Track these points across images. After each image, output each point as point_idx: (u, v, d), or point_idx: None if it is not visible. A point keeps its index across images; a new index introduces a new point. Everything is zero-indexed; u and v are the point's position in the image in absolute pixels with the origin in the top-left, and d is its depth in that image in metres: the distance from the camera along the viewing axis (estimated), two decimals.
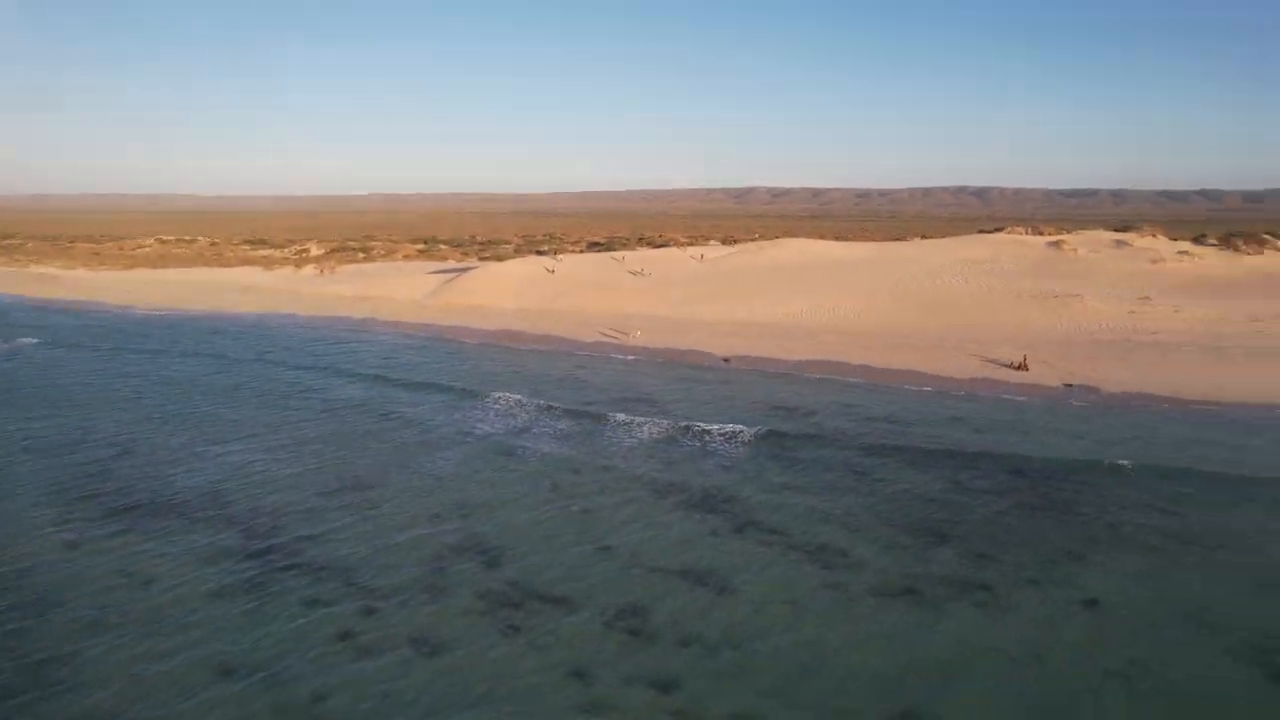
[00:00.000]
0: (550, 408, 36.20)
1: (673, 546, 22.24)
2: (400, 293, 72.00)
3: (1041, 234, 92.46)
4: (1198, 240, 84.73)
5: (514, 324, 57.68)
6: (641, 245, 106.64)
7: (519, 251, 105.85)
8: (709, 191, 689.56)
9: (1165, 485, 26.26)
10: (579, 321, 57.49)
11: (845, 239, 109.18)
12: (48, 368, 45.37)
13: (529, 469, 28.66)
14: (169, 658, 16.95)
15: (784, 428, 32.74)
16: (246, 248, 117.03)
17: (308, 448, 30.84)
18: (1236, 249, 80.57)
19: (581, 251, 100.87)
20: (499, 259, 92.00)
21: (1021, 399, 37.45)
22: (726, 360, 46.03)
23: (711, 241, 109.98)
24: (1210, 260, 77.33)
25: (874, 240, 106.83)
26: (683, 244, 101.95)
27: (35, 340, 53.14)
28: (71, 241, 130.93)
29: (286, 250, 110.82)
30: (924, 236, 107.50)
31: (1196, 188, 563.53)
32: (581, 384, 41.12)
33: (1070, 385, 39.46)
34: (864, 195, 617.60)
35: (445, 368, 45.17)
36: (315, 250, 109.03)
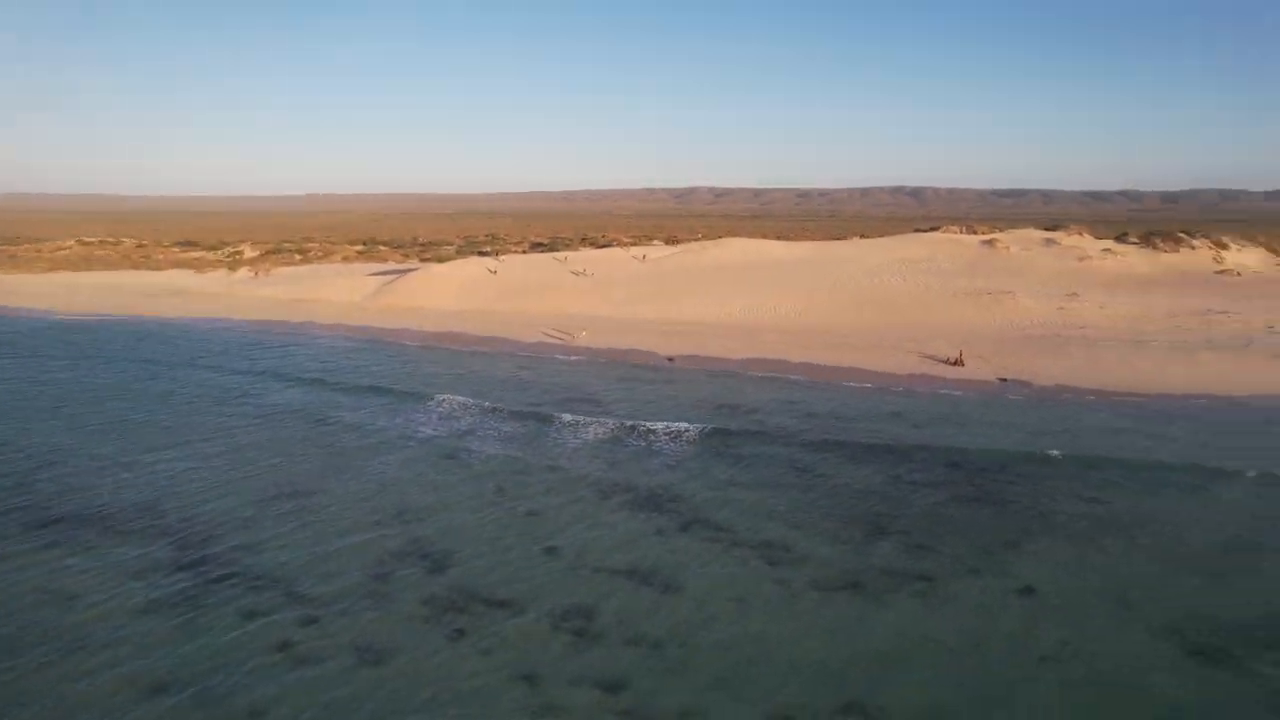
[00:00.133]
0: (494, 409, 35.86)
1: (619, 546, 22.22)
2: (339, 295, 70.51)
3: (976, 233, 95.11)
4: (1120, 239, 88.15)
5: (456, 325, 56.99)
6: (584, 245, 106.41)
7: (461, 252, 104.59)
8: (652, 191, 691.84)
9: (1092, 474, 27.25)
10: (522, 322, 57.10)
11: (786, 239, 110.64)
12: None
13: (473, 471, 28.34)
14: (94, 676, 16.28)
15: (728, 425, 33.01)
16: (176, 249, 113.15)
17: (244, 455, 29.96)
18: (1155, 247, 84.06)
19: (524, 252, 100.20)
20: (440, 260, 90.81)
21: (958, 393, 38.43)
22: (671, 360, 46.22)
23: (655, 241, 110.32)
24: (1132, 258, 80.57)
25: (814, 240, 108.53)
26: (626, 244, 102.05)
27: None
28: None
29: (219, 252, 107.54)
30: (863, 236, 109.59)
31: (1119, 188, 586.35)
32: (526, 385, 40.83)
33: (1004, 379, 40.65)
34: (804, 195, 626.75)
35: (386, 370, 44.39)
36: (249, 252, 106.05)
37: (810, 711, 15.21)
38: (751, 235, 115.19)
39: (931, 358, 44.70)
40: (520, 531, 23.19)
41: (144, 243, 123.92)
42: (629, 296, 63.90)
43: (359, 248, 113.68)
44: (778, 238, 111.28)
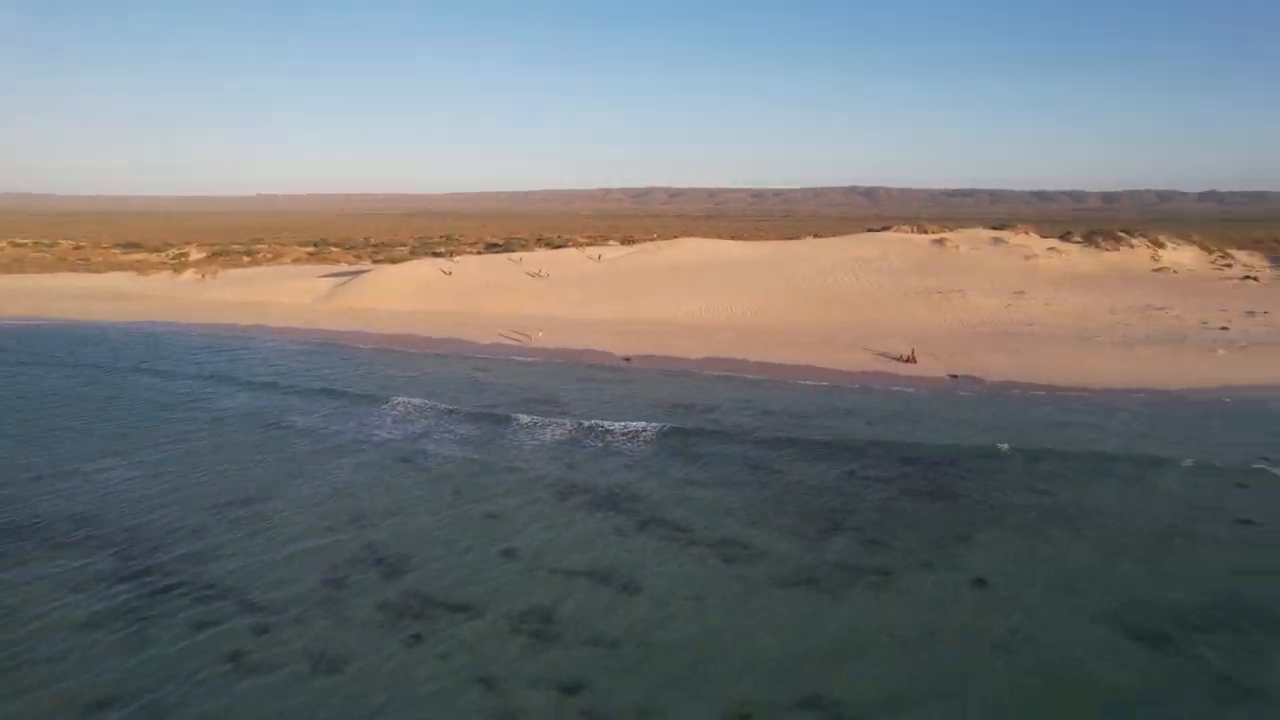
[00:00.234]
0: (450, 411, 35.51)
1: (577, 546, 22.18)
2: (290, 297, 69.19)
3: (926, 232, 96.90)
4: (1064, 238, 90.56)
5: (411, 327, 56.30)
6: (540, 246, 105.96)
7: (414, 253, 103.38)
8: (608, 192, 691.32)
9: (1039, 466, 27.96)
10: (478, 324, 56.64)
11: (741, 238, 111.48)
12: None
13: (430, 474, 28.03)
14: (32, 693, 15.72)
15: (685, 425, 33.15)
16: (117, 251, 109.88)
17: (191, 461, 29.21)
18: (1098, 246, 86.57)
19: (479, 253, 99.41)
20: (394, 261, 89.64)
21: (910, 390, 39.11)
22: (627, 360, 46.25)
23: (610, 241, 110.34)
24: (1075, 257, 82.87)
25: (769, 239, 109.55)
26: (582, 244, 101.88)
27: None
28: None
29: (163, 254, 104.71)
30: (817, 235, 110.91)
31: (1063, 189, 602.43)
32: (482, 386, 40.51)
33: (955, 376, 41.49)
34: (759, 195, 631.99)
35: (340, 373, 43.67)
36: (195, 254, 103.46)
37: (768, 706, 15.35)
38: (707, 235, 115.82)
39: (884, 355, 45.42)
40: (477, 534, 23.00)
41: (81, 244, 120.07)
42: (585, 297, 63.79)
43: (310, 249, 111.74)
44: (733, 237, 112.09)
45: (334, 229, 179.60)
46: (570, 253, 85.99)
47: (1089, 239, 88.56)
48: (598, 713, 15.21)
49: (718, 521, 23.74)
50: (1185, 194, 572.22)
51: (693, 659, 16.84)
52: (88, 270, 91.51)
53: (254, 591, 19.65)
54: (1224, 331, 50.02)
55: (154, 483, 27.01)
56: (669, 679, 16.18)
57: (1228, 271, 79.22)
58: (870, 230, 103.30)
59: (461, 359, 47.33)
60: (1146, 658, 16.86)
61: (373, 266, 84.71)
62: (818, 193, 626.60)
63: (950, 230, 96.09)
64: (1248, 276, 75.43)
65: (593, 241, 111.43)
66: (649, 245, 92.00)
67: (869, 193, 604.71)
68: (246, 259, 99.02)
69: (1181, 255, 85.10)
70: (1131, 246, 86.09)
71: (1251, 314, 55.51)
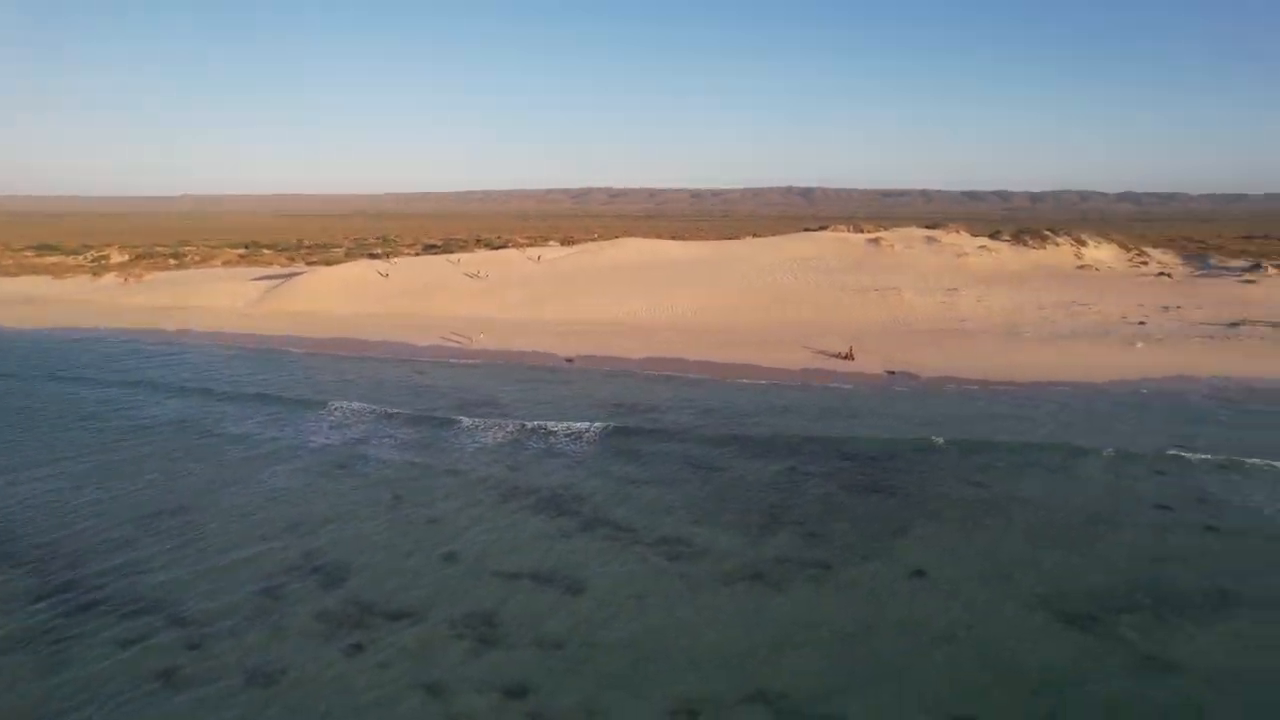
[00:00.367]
0: (391, 415, 34.87)
1: (520, 548, 22.00)
2: (220, 301, 67.07)
3: (862, 232, 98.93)
4: (994, 236, 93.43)
5: (348, 330, 55.10)
6: (479, 247, 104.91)
7: (350, 255, 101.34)
8: (548, 192, 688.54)
9: (972, 458, 28.78)
10: (417, 326, 55.75)
11: (681, 238, 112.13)
12: None
13: (369, 479, 27.48)
14: None
15: (627, 424, 33.18)
16: (29, 254, 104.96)
17: (116, 472, 28.07)
18: (1025, 244, 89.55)
19: (417, 254, 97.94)
20: (329, 263, 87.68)
21: (849, 387, 39.84)
22: (569, 360, 46.08)
23: (550, 242, 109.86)
24: (1005, 254, 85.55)
25: (709, 239, 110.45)
26: (522, 245, 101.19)
27: None
28: None
29: (82, 257, 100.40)
30: (755, 235, 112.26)
31: (992, 189, 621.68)
32: (423, 389, 39.88)
33: (892, 372, 42.41)
34: (698, 195, 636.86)
35: (275, 378, 42.49)
36: (117, 257, 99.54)
37: (713, 701, 15.46)
38: (647, 235, 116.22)
39: (823, 353, 46.18)
40: (418, 539, 22.64)
41: None
42: (526, 298, 63.36)
43: (241, 251, 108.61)
44: (673, 238, 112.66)
45: (266, 230, 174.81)
46: (510, 253, 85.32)
47: (1017, 238, 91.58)
48: (543, 715, 15.12)
49: (660, 520, 23.82)
50: (1105, 194, 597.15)
51: (637, 657, 16.86)
52: None
53: (184, 605, 18.99)
54: (1142, 326, 52.25)
55: (73, 495, 25.89)
56: (613, 678, 16.17)
57: (1144, 269, 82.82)
58: (808, 230, 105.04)
59: (400, 362, 46.53)
60: (1075, 640, 17.49)
61: (307, 269, 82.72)
62: (756, 193, 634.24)
63: (885, 230, 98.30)
64: (1162, 273, 78.96)
65: (533, 242, 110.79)
66: (590, 246, 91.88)
67: (806, 193, 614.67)
68: (173, 262, 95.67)
69: (1102, 253, 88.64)
70: (1057, 245, 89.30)
71: (1166, 309, 58.11)
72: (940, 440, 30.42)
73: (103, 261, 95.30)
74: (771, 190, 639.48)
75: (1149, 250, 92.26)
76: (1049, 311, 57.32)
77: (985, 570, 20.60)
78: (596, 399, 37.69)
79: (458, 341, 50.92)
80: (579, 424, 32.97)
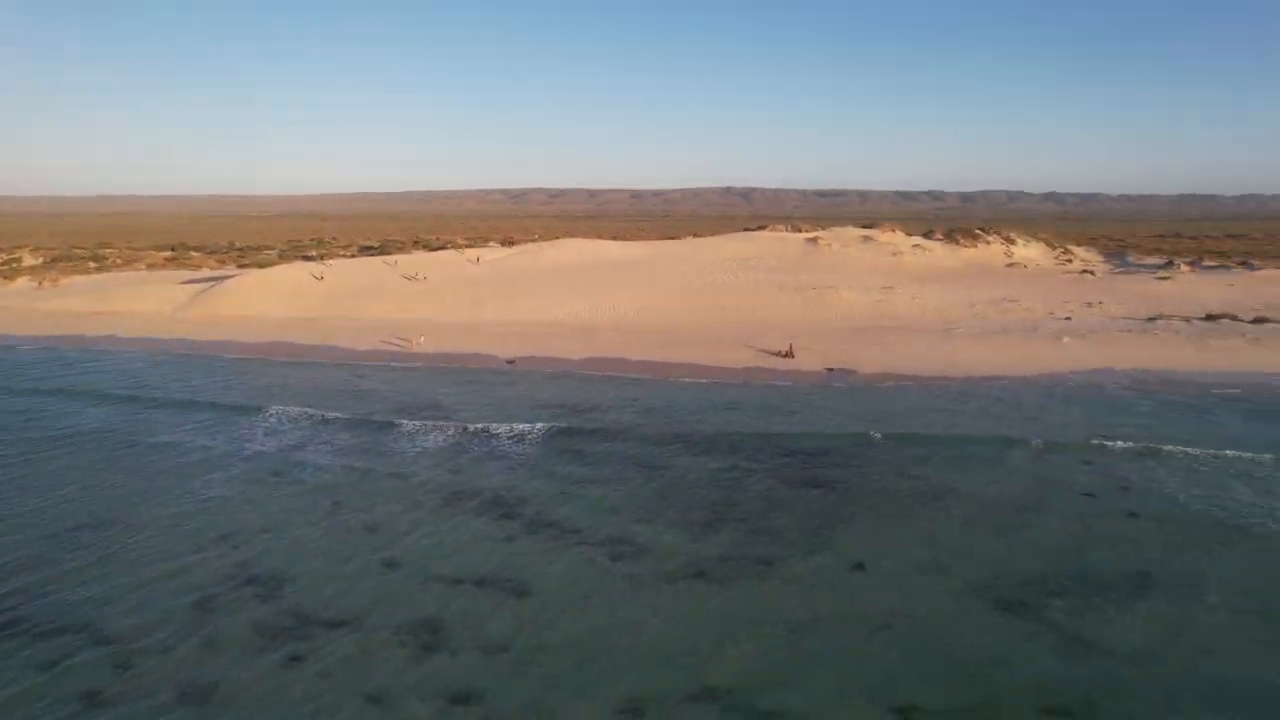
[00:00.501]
0: (328, 420, 34.09)
1: (463, 552, 21.74)
2: (146, 305, 64.61)
3: (801, 231, 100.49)
4: (928, 236, 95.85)
5: (283, 335, 53.67)
6: (417, 249, 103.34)
7: (284, 257, 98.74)
8: (486, 193, 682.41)
9: (908, 451, 29.49)
10: (355, 329, 54.62)
11: (622, 238, 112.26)
12: None
13: (306, 486, 26.82)
14: None
15: (570, 425, 33.07)
16: None
17: (29, 486, 26.79)
18: (957, 243, 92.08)
19: (353, 256, 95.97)
20: (261, 266, 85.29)
21: (789, 384, 40.41)
22: (511, 362, 45.72)
23: (490, 243, 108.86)
24: (938, 253, 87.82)
25: (650, 239, 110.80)
26: (461, 246, 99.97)
27: None
28: None
29: None
30: (696, 235, 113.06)
31: (925, 189, 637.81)
32: (362, 393, 39.09)
33: (831, 369, 43.16)
34: (639, 195, 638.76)
35: (206, 384, 41.12)
36: (30, 259, 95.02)
37: (658, 699, 15.53)
38: (588, 236, 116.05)
39: (764, 351, 46.74)
40: (358, 545, 22.19)
41: None
42: (466, 300, 62.64)
43: (167, 254, 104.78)
44: (613, 238, 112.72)
45: (194, 232, 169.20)
46: (449, 255, 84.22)
47: (949, 236, 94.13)
48: (489, 719, 14.97)
49: (604, 519, 23.81)
50: (1031, 195, 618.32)
51: (582, 658, 16.83)
52: None
53: (108, 622, 18.25)
54: (1068, 321, 54.24)
55: None
56: (559, 679, 16.11)
57: (1069, 266, 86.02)
58: (747, 230, 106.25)
59: (339, 366, 45.52)
60: (1007, 625, 18.07)
61: (239, 272, 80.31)
62: (696, 193, 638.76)
63: (823, 230, 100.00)
64: (1086, 271, 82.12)
65: (472, 243, 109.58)
66: (530, 246, 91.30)
67: (745, 193, 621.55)
68: (94, 265, 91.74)
69: (1030, 251, 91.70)
70: (988, 243, 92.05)
71: (1090, 305, 60.45)
72: (878, 435, 31.07)
73: (14, 265, 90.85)
74: (711, 190, 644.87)
75: (1073, 248, 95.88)
76: (981, 308, 59.06)
77: (922, 561, 21.12)
78: (539, 400, 37.48)
79: (397, 345, 50.07)
80: (521, 425, 32.74)
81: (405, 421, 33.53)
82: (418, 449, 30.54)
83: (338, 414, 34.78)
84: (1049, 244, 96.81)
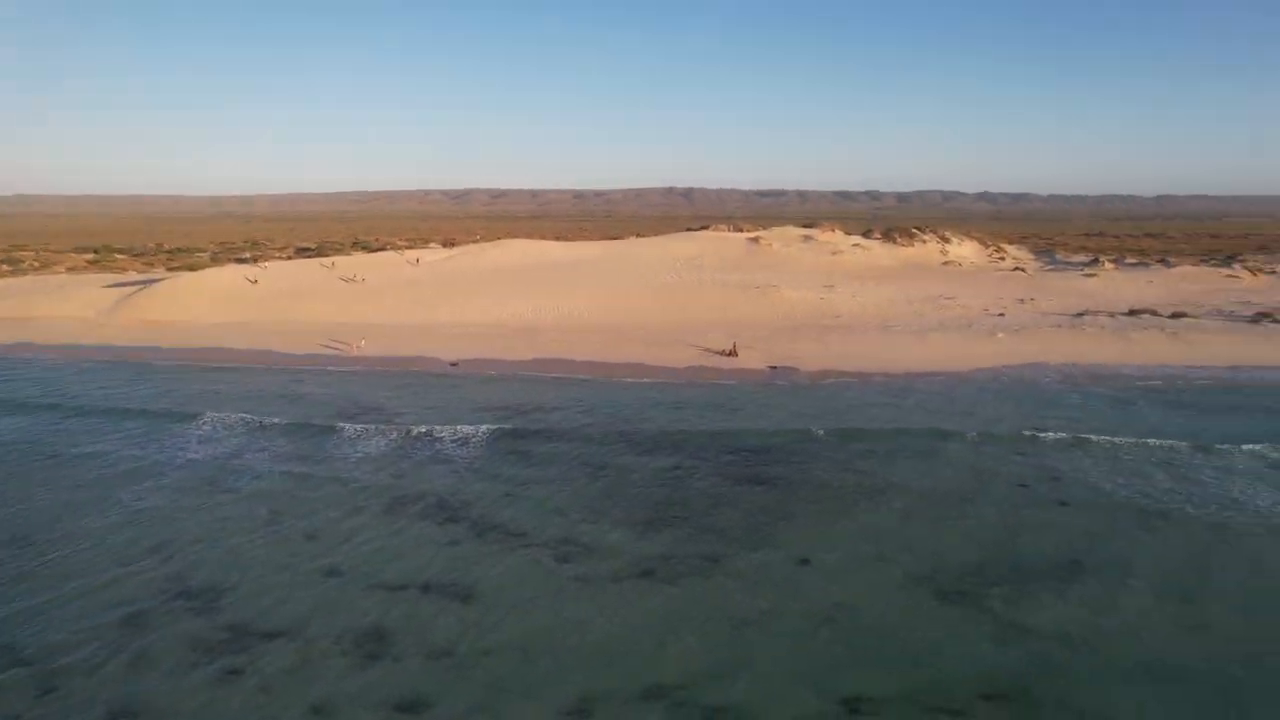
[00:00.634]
0: (265, 425, 33.17)
1: (407, 558, 21.39)
2: (67, 310, 61.91)
3: (742, 231, 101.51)
4: (867, 235, 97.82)
5: (217, 339, 52.00)
6: (357, 250, 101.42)
7: (216, 260, 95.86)
8: (427, 193, 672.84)
9: (850, 446, 30.04)
10: (292, 333, 53.25)
11: (565, 239, 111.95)
12: None
13: (244, 494, 26.05)
14: None
15: (515, 427, 32.83)
16: None
17: None
18: (895, 242, 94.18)
19: (289, 258, 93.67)
20: (193, 269, 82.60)
21: (733, 383, 40.78)
22: (454, 364, 45.15)
23: (431, 244, 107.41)
24: (877, 251, 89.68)
25: (592, 239, 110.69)
26: (401, 247, 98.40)
27: None
28: None
29: None
30: (639, 235, 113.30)
31: (863, 189, 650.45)
32: (300, 398, 38.14)
33: (774, 367, 43.68)
34: (581, 196, 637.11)
35: (135, 392, 39.60)
36: None
37: (605, 698, 15.51)
38: (530, 236, 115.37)
39: (708, 350, 47.07)
40: (297, 553, 21.65)
41: None
42: (407, 302, 61.66)
43: (89, 256, 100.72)
44: (556, 238, 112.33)
45: (118, 234, 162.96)
46: (389, 256, 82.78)
47: (888, 236, 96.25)
48: None
49: (549, 520, 23.69)
50: (965, 194, 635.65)
51: (528, 660, 16.72)
52: None
53: (30, 642, 17.45)
54: (1001, 317, 55.93)
55: None
56: (504, 682, 15.97)
57: (1001, 264, 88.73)
58: (690, 230, 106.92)
59: (276, 371, 44.33)
60: (946, 612, 18.55)
61: (168, 275, 77.66)
62: (638, 193, 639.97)
63: (764, 229, 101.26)
64: (1017, 268, 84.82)
65: (412, 244, 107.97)
66: (472, 247, 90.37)
67: (687, 193, 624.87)
68: (7, 268, 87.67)
69: (965, 250, 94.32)
70: (924, 242, 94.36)
71: (1022, 301, 62.47)
72: (820, 431, 31.57)
73: None
74: (653, 191, 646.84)
75: (1005, 247, 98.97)
76: (918, 306, 60.50)
77: (865, 553, 21.53)
78: (483, 402, 37.10)
79: (337, 348, 49.00)
80: (466, 428, 32.37)
81: (346, 426, 32.85)
82: (359, 454, 29.94)
83: (275, 419, 33.88)
84: (982, 243, 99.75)
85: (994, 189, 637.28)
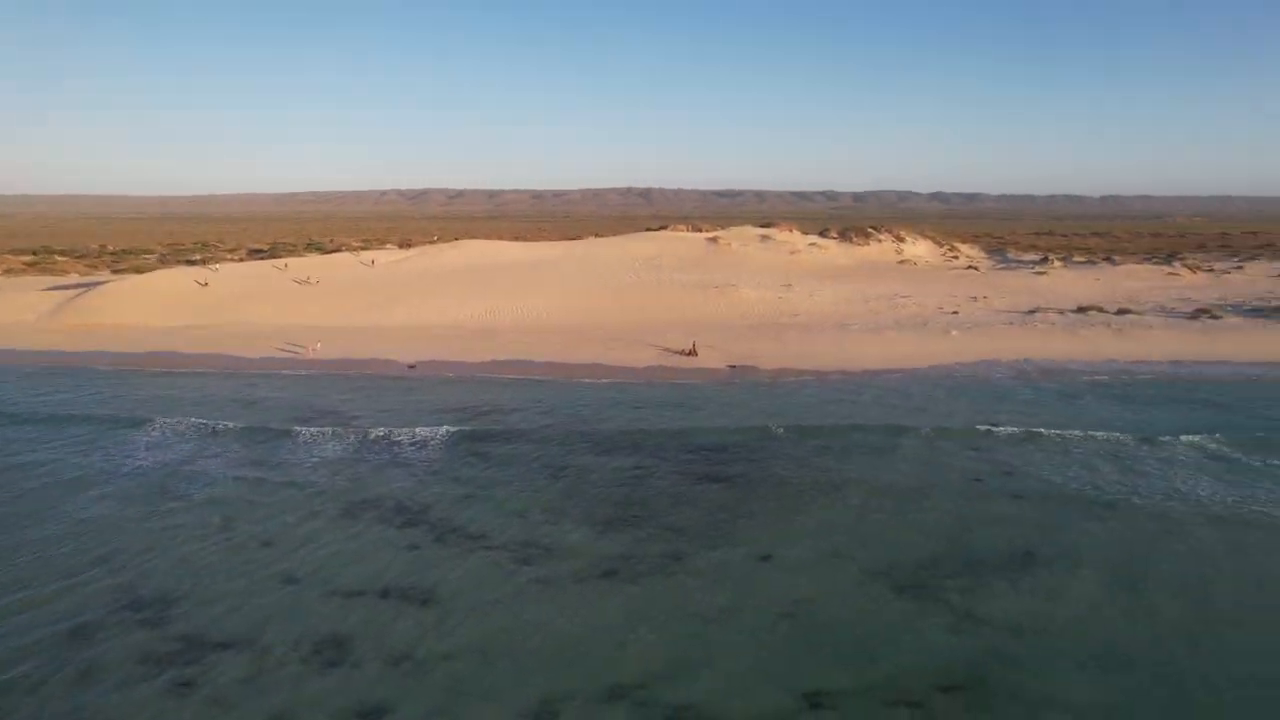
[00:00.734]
0: (218, 431, 32.43)
1: (365, 563, 21.08)
2: (5, 314, 59.86)
3: (701, 231, 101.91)
4: (823, 234, 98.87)
5: (166, 344, 50.67)
6: (311, 252, 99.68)
7: (165, 262, 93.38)
8: (383, 193, 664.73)
9: (808, 443, 30.36)
10: (245, 336, 52.13)
11: (523, 239, 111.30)
12: None
13: (194, 501, 25.43)
14: None
15: (475, 428, 32.56)
16: None
17: None
18: (851, 241, 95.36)
19: (241, 260, 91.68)
20: (139, 271, 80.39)
21: (693, 382, 40.94)
22: (412, 367, 44.63)
23: (388, 245, 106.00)
24: (833, 251, 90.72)
25: (551, 240, 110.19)
26: (356, 249, 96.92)
27: None
28: None
29: None
30: (597, 235, 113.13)
31: (819, 189, 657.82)
32: (254, 402, 37.36)
33: (733, 366, 43.96)
34: (539, 196, 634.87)
35: (79, 398, 38.40)
36: None
37: (566, 698, 15.46)
38: (488, 237, 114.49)
39: (667, 350, 47.19)
40: (252, 561, 21.20)
41: None
42: (363, 304, 60.79)
43: (27, 258, 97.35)
44: (515, 239, 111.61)
45: (59, 235, 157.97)
46: (344, 257, 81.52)
47: (844, 235, 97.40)
48: None
49: (509, 522, 23.55)
50: (919, 194, 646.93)
51: (488, 662, 16.60)
52: None
53: None
54: (955, 315, 56.99)
55: None
56: (465, 685, 15.83)
57: (955, 263, 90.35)
58: (649, 230, 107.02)
59: (229, 376, 43.36)
60: (904, 604, 18.84)
61: (113, 277, 75.53)
62: (596, 193, 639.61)
63: (722, 229, 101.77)
64: (970, 267, 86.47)
65: (367, 245, 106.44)
66: (429, 248, 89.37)
67: (645, 193, 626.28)
68: None
69: (919, 249, 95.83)
70: (880, 241, 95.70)
71: (974, 299, 63.70)
72: (779, 429, 31.85)
73: None
74: (611, 191, 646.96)
75: (959, 246, 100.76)
76: (874, 304, 61.35)
77: (824, 549, 21.77)
78: (442, 404, 36.73)
79: (291, 351, 48.10)
80: (424, 430, 32.02)
81: (302, 430, 32.27)
82: (315, 458, 29.44)
83: (229, 424, 33.15)
84: (936, 242, 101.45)
85: (947, 189, 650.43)
